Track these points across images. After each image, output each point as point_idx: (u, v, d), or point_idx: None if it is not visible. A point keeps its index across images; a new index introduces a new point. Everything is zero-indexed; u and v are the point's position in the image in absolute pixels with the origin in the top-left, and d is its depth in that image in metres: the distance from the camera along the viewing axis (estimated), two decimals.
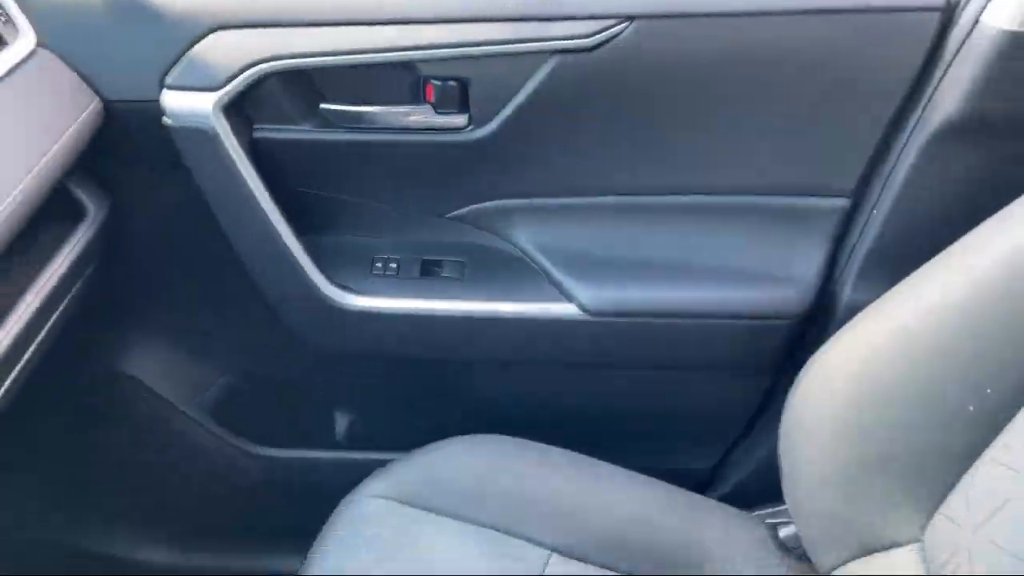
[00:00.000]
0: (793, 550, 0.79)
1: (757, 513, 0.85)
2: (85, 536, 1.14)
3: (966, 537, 0.61)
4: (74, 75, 0.76)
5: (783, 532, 0.80)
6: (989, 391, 0.61)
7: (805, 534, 0.75)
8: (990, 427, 0.62)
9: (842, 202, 0.83)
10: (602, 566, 0.77)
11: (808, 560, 0.76)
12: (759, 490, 0.88)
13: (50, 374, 0.79)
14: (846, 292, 0.84)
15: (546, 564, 0.76)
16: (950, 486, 0.65)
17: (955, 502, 0.64)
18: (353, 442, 1.09)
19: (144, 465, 1.09)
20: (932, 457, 0.65)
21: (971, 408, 0.62)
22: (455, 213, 0.90)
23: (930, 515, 0.66)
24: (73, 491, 1.12)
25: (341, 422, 1.09)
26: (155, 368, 1.02)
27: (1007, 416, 0.61)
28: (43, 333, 0.76)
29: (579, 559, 0.77)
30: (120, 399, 1.02)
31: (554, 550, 0.77)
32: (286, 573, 0.87)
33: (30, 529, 1.13)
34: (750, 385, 0.94)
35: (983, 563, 0.59)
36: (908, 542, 0.68)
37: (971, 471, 0.63)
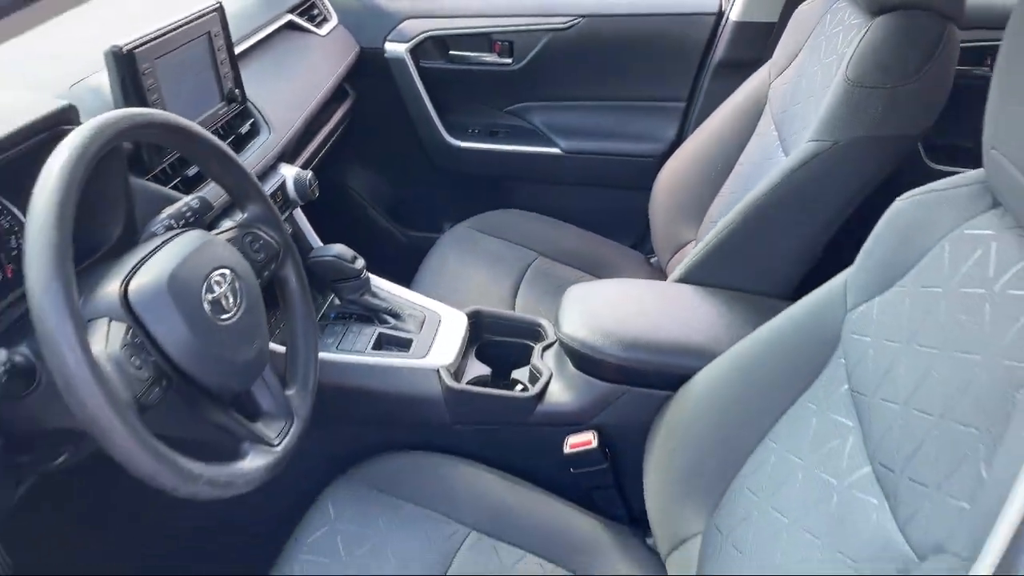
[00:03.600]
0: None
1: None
2: None
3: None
4: (349, 35, 1.75)
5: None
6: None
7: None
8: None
9: (680, 103, 1.75)
10: (574, 268, 1.71)
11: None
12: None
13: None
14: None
15: (530, 264, 1.70)
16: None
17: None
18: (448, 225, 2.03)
19: (349, 236, 2.04)
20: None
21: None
22: (506, 108, 1.87)
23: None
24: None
25: (445, 220, 2.04)
26: (362, 184, 1.99)
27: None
28: (324, 151, 1.70)
29: (556, 260, 1.71)
30: (341, 198, 1.97)
31: (539, 253, 1.71)
32: None
33: None
34: (639, 198, 1.82)
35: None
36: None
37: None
